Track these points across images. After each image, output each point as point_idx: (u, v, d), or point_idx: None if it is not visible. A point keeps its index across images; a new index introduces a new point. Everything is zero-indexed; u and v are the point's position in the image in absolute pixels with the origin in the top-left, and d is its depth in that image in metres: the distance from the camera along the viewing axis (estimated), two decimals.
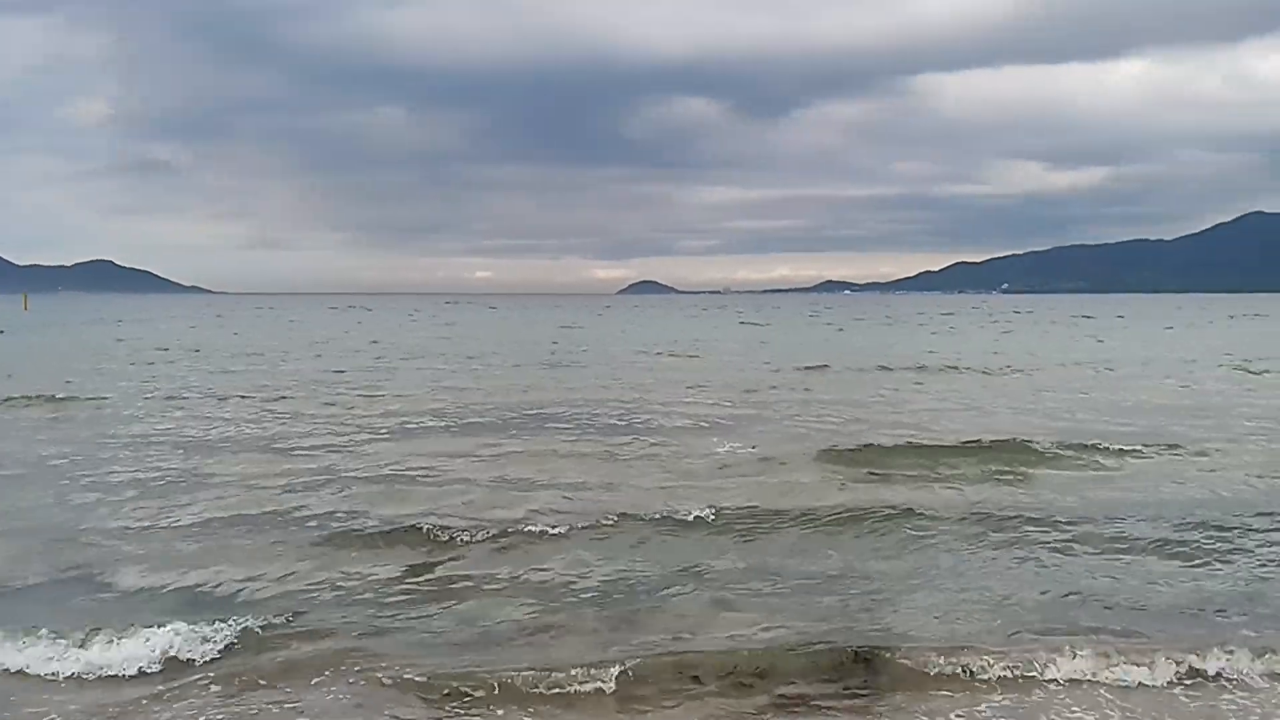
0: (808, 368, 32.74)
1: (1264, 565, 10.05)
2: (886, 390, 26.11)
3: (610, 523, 11.28)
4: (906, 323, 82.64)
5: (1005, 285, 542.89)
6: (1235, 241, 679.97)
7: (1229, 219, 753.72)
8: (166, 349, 43.48)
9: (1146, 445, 16.47)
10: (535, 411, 21.27)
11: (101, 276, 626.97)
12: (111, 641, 7.66)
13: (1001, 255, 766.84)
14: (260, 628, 8.06)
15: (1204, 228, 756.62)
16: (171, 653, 7.60)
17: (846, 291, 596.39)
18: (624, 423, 19.80)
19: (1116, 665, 7.44)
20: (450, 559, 10.13)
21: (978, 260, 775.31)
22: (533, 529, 11.05)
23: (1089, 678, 7.34)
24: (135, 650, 7.60)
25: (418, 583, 9.46)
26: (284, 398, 23.96)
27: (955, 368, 32.94)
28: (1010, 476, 14.38)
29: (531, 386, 26.99)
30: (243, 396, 23.98)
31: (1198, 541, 10.78)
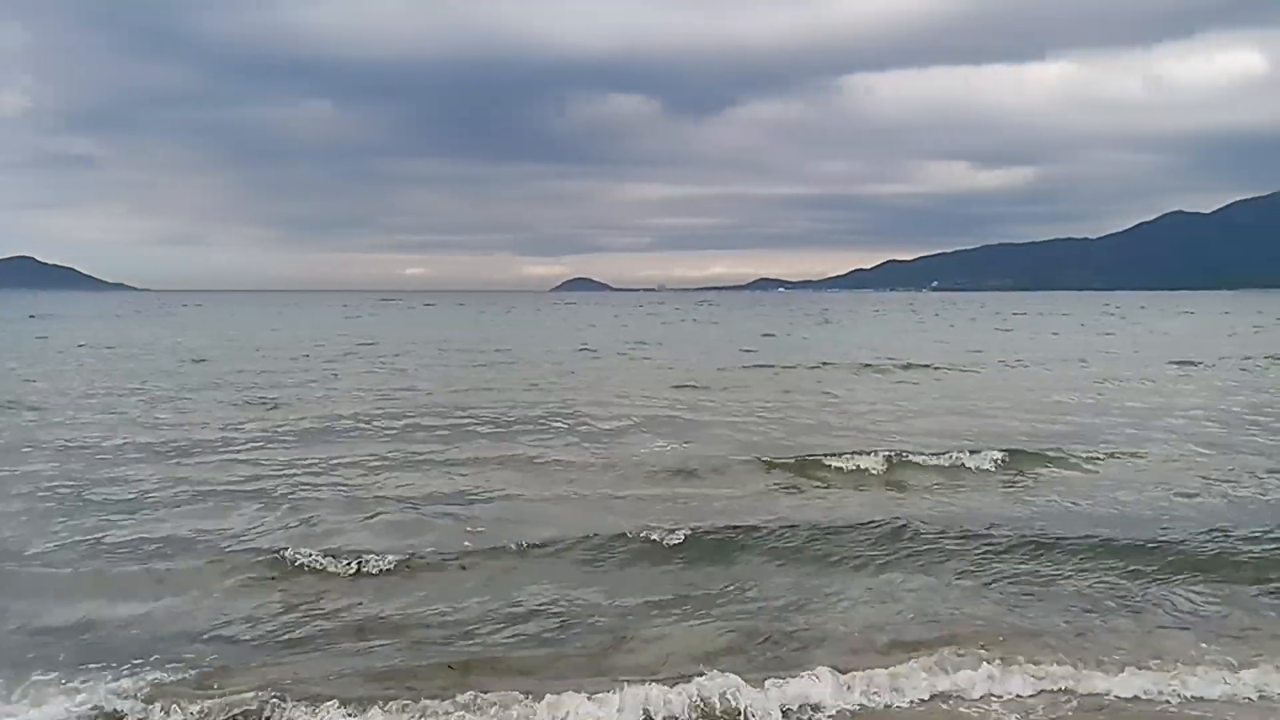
0: (754, 365, 32.25)
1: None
2: (840, 391, 25.65)
3: (515, 549, 10.44)
4: (881, 317, 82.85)
5: (936, 283, 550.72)
6: (1157, 240, 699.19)
7: (1151, 218, 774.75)
8: (86, 345, 41.64)
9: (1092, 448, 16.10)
10: (469, 415, 20.42)
11: (22, 273, 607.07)
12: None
13: (931, 254, 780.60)
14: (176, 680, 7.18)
15: (1127, 227, 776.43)
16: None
17: (781, 289, 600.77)
18: (562, 426, 19.05)
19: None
20: (355, 591, 9.27)
21: (909, 258, 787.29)
22: (443, 555, 10.25)
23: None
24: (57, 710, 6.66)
25: (320, 617, 8.61)
26: (213, 401, 22.73)
27: (911, 366, 32.68)
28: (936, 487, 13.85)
29: (474, 388, 26.07)
30: (150, 400, 22.68)
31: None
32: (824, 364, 33.48)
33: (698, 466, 14.83)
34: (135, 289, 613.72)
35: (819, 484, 13.90)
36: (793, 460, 15.11)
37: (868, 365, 32.88)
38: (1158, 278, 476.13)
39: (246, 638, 8.15)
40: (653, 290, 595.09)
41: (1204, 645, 7.95)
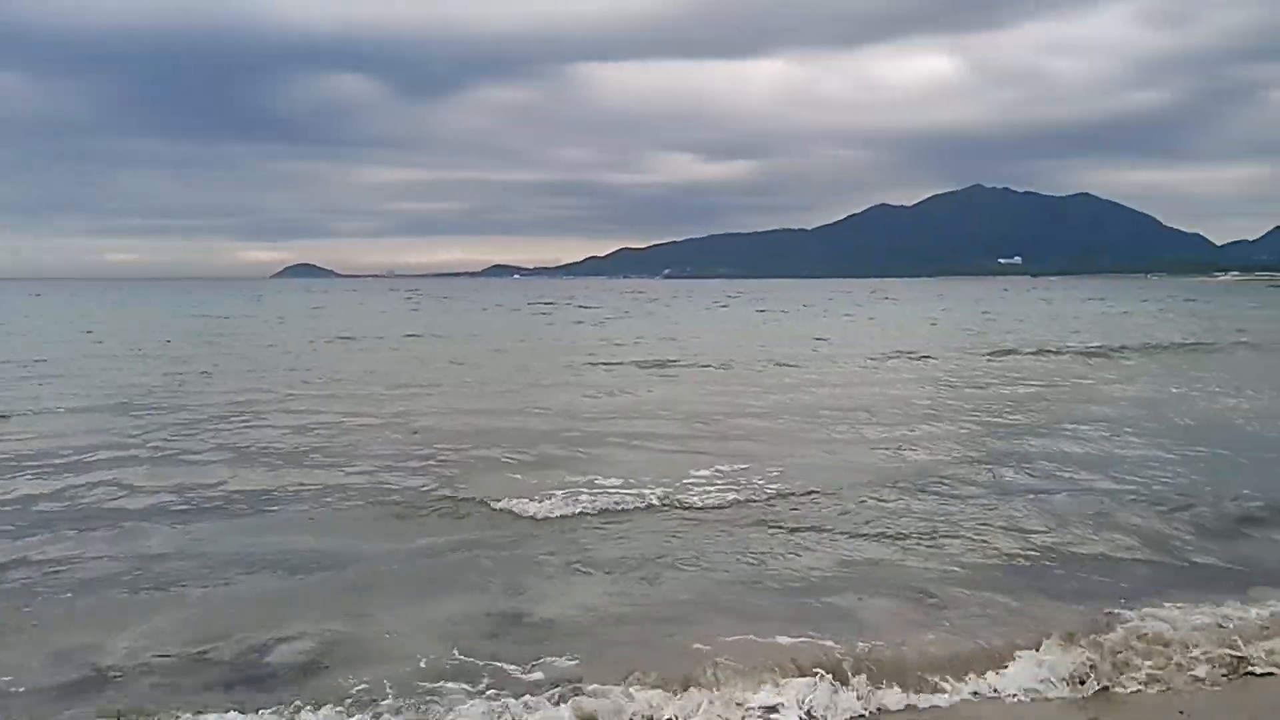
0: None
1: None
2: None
3: None
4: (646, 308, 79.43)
5: (667, 271, 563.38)
6: (864, 230, 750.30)
7: (859, 211, 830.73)
8: None
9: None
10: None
11: None
12: None
13: (663, 242, 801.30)
14: None
15: (838, 219, 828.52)
16: None
17: (516, 275, 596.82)
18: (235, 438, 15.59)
19: None
20: None
21: (641, 246, 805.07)
22: None
23: None
24: None
25: None
26: None
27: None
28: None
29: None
30: None
31: None
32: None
33: None
34: None
35: None
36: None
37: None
38: (865, 266, 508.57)
39: None
40: (382, 276, 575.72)
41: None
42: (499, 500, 11.29)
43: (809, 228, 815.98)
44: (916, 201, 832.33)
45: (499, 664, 6.83)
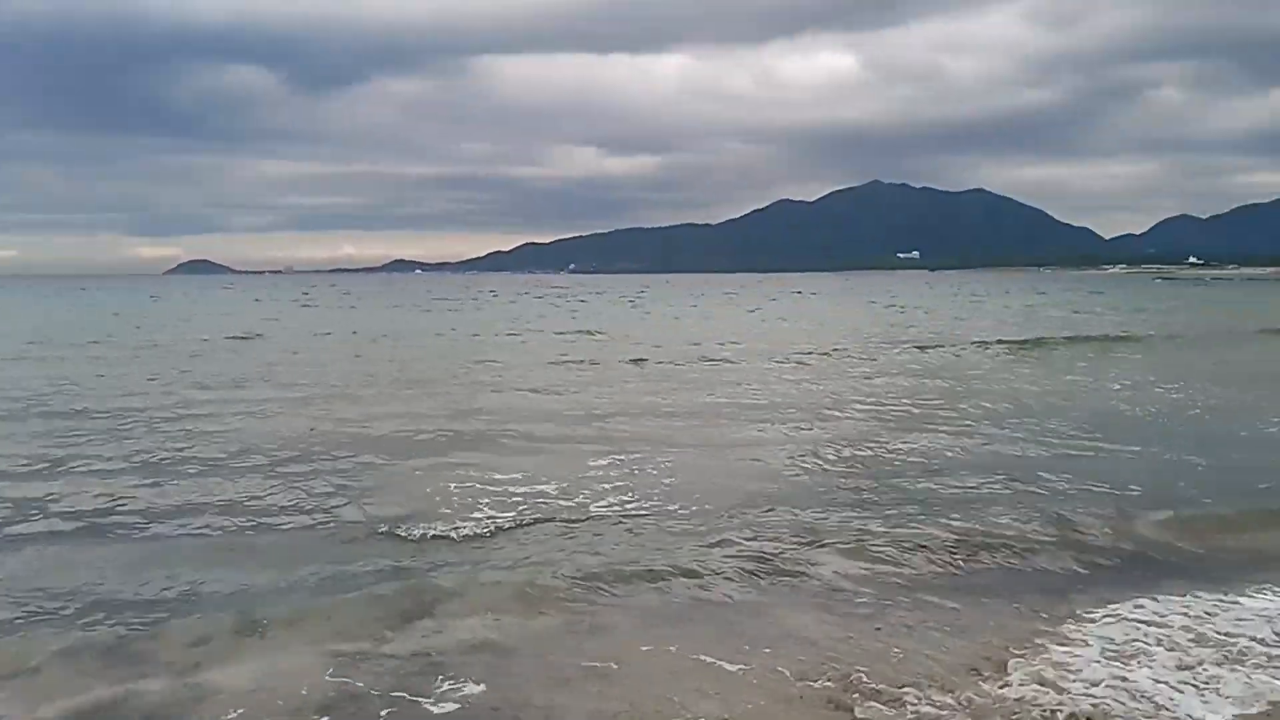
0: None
1: None
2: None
3: None
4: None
5: (572, 265, 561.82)
6: (768, 225, 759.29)
7: (763, 206, 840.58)
8: None
9: None
10: None
11: None
12: None
13: (568, 237, 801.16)
14: None
15: (742, 213, 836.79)
16: None
17: (418, 271, 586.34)
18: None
19: None
20: None
21: (545, 241, 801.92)
22: None
23: None
24: None
25: None
26: None
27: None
28: None
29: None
30: None
31: None
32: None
33: None
34: None
35: None
36: None
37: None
38: (770, 260, 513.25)
39: None
40: (280, 272, 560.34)
41: None
42: (395, 520, 10.23)
43: (713, 222, 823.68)
44: (818, 197, 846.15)
45: (403, 695, 6.27)
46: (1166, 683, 6.40)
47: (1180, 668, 6.64)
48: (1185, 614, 7.54)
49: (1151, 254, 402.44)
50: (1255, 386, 21.12)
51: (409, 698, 6.19)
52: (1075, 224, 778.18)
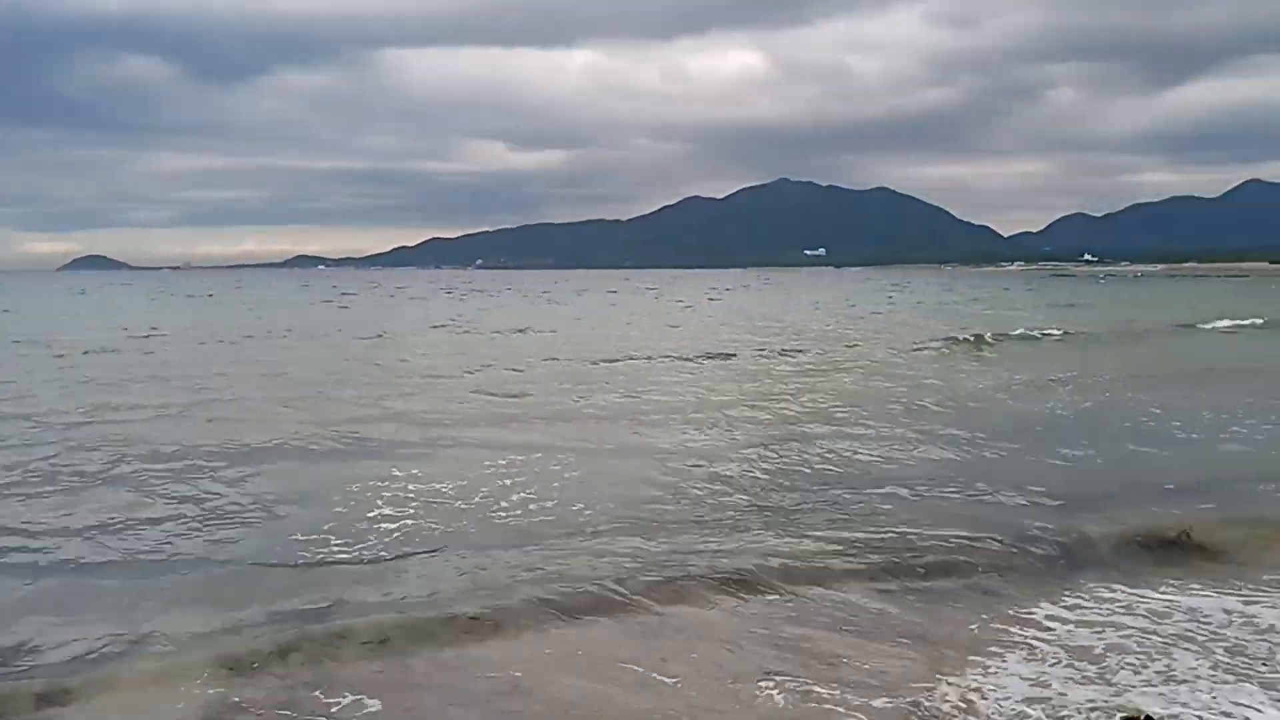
0: None
1: None
2: None
3: None
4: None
5: (480, 261, 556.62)
6: (678, 222, 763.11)
7: (673, 202, 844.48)
8: None
9: None
10: None
11: None
12: None
13: (475, 232, 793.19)
14: None
15: (652, 210, 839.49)
16: None
17: (321, 266, 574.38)
18: None
19: None
20: None
21: (452, 236, 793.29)
22: None
23: None
24: None
25: None
26: None
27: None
28: None
29: None
30: None
31: None
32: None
33: None
34: None
35: None
36: None
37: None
38: (679, 256, 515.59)
39: None
40: (179, 269, 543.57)
41: None
42: (280, 536, 9.63)
43: (624, 218, 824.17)
44: (727, 194, 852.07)
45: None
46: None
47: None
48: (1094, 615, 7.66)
49: (1048, 251, 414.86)
50: (1171, 385, 21.32)
51: (301, 718, 5.91)
52: (975, 222, 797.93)
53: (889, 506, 10.83)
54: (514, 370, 24.32)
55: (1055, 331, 36.35)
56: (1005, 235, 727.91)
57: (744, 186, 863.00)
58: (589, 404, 18.54)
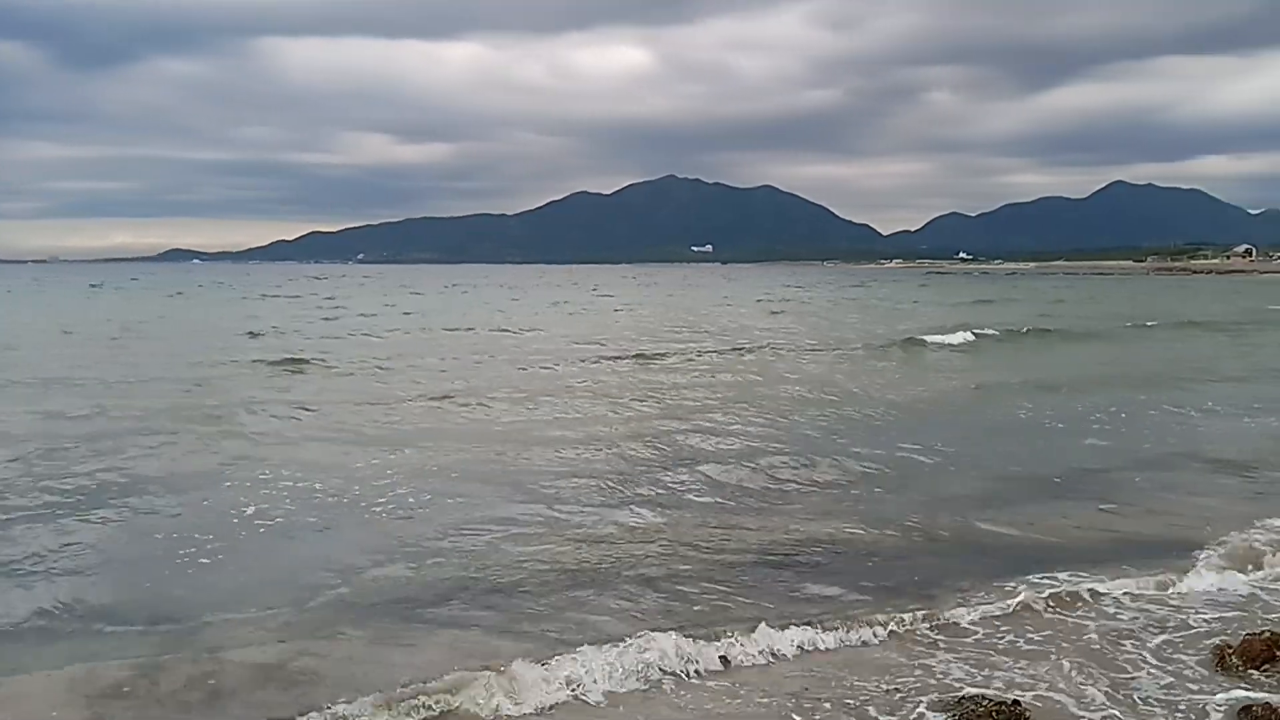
0: None
1: None
2: None
3: None
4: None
5: (361, 255, 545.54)
6: (566, 218, 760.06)
7: (560, 197, 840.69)
8: None
9: None
10: None
11: None
12: None
13: (356, 225, 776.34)
14: None
15: (539, 205, 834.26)
16: None
17: (196, 260, 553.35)
18: None
19: None
20: None
21: (333, 230, 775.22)
22: None
23: None
24: None
25: None
26: None
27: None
28: None
29: None
30: None
31: None
32: None
33: None
34: None
35: None
36: None
37: None
38: (567, 252, 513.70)
39: None
40: (44, 262, 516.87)
41: None
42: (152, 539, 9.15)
43: (510, 213, 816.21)
44: (615, 190, 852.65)
45: None
46: None
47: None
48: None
49: (925, 250, 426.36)
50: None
51: None
52: (856, 220, 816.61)
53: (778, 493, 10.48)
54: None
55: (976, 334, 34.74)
56: (884, 234, 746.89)
57: (632, 182, 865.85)
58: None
